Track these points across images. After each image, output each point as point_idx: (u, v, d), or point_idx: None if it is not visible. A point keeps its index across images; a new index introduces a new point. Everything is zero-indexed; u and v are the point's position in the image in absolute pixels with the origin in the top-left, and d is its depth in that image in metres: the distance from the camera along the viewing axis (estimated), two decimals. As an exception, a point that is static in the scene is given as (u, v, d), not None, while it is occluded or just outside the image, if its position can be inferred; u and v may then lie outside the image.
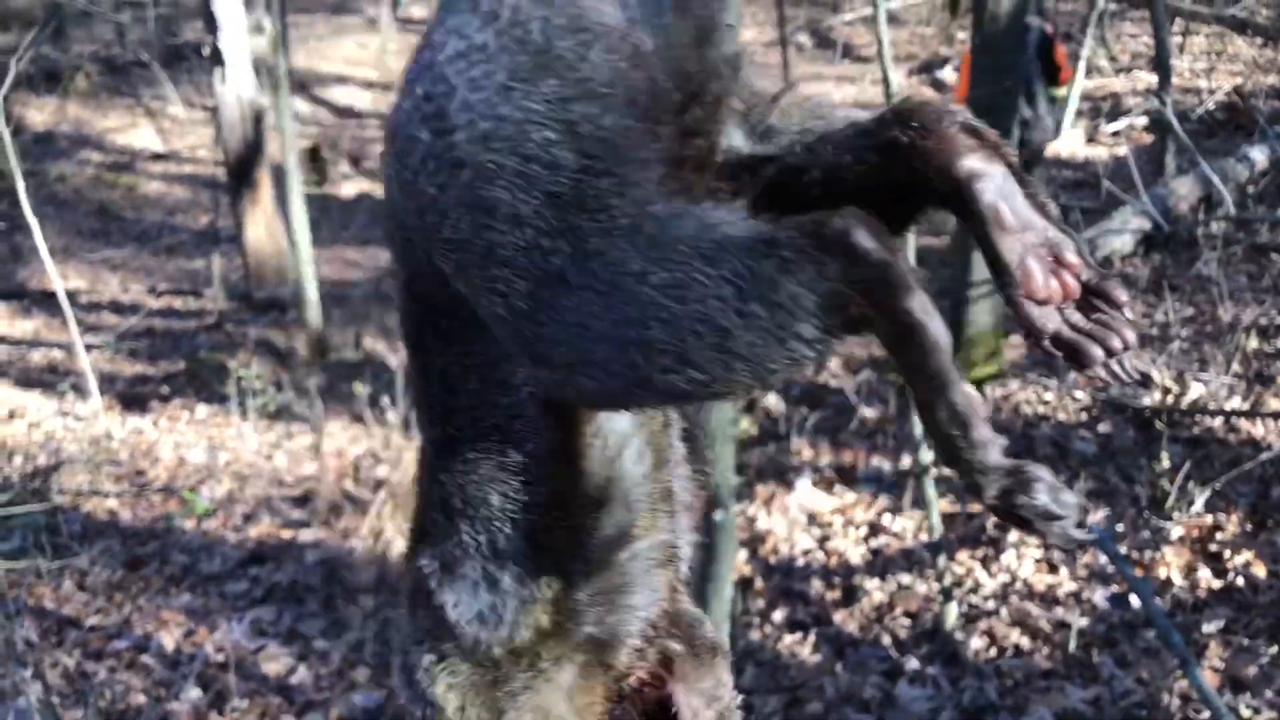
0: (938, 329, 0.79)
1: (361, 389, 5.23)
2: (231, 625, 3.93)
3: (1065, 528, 0.77)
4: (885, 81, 3.11)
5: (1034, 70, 6.19)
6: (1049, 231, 0.85)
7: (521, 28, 0.86)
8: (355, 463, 5.03)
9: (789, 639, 3.39)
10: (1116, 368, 0.84)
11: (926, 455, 3.28)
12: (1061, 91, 6.74)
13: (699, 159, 0.94)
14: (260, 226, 7.02)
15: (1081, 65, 10.74)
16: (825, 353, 0.82)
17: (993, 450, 0.79)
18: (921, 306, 0.78)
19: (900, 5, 15.85)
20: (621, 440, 1.01)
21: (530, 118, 0.84)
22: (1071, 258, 0.85)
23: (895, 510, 4.03)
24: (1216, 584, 3.32)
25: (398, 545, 4.29)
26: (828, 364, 5.55)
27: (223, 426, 5.50)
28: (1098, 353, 0.83)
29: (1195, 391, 4.64)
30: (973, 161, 0.86)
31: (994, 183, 0.86)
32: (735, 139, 0.99)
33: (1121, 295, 0.86)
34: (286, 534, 4.52)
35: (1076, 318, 0.85)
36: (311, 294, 6.17)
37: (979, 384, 4.83)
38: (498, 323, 0.88)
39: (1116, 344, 0.83)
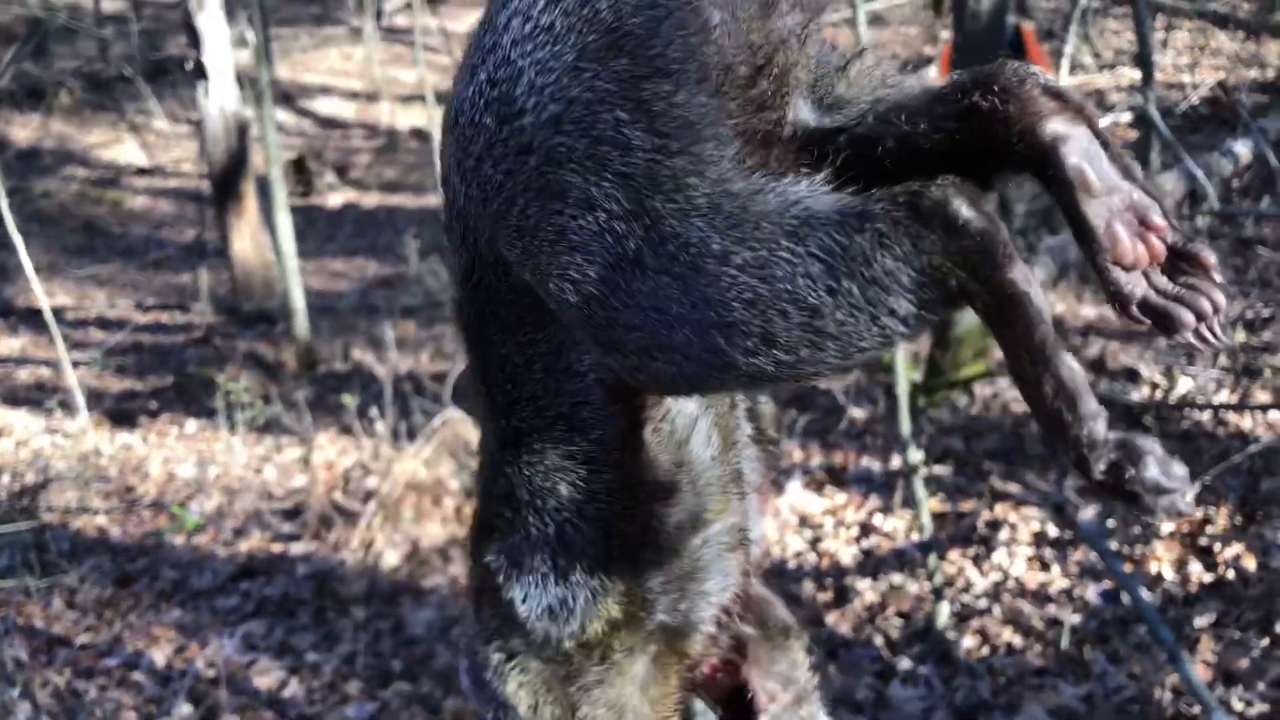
0: (1040, 300, 0.78)
1: (350, 400, 5.21)
2: (222, 640, 3.91)
3: (1175, 500, 0.75)
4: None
5: None
6: (1135, 194, 0.82)
7: (590, 6, 0.84)
8: (345, 474, 5.01)
9: (782, 642, 3.38)
10: (1206, 332, 0.80)
11: (915, 455, 3.27)
12: None
13: (770, 133, 0.91)
14: (246, 239, 7.01)
15: (1065, 62, 10.76)
16: (920, 328, 0.81)
17: (1101, 423, 0.77)
18: (1025, 277, 0.77)
19: (884, 5, 15.88)
20: (690, 423, 0.99)
21: (601, 98, 0.82)
22: (1158, 220, 0.82)
23: (886, 510, 4.03)
24: (1207, 578, 3.32)
25: (388, 557, 4.28)
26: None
27: (211, 441, 5.48)
28: (1189, 318, 0.80)
29: (1184, 386, 4.65)
30: (1057, 125, 0.82)
31: (1079, 145, 0.82)
32: (803, 111, 0.95)
33: (1210, 258, 0.82)
34: (277, 547, 4.50)
35: (1164, 282, 0.81)
36: (298, 306, 6.15)
37: (967, 383, 4.83)
38: (567, 309, 0.86)
39: (1206, 307, 0.80)
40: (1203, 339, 0.81)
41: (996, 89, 0.85)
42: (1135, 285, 0.80)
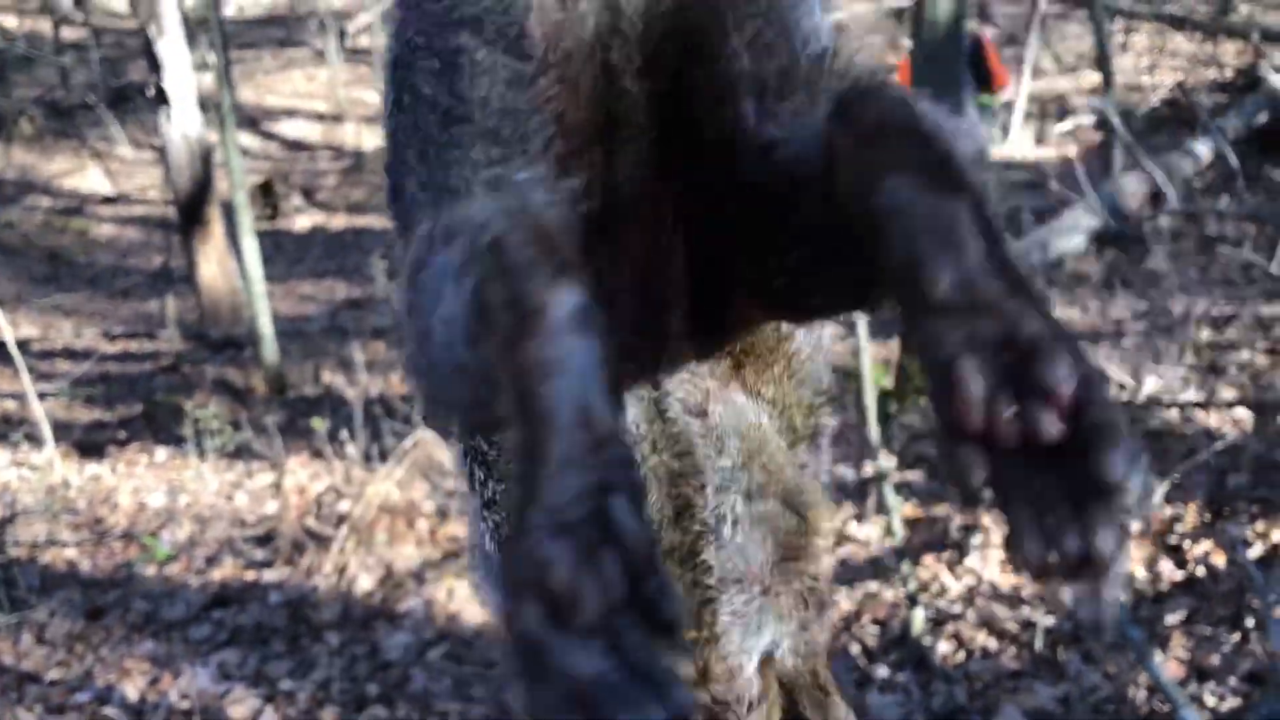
0: None
1: (321, 424, 5.18)
2: (196, 671, 3.87)
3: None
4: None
5: (964, 79, 6.27)
6: (1024, 321, 0.54)
7: None
8: (317, 499, 4.98)
9: (758, 654, 3.38)
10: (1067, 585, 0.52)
11: (886, 461, 3.28)
12: (992, 99, 6.76)
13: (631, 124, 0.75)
14: (213, 265, 6.97)
15: (1026, 68, 10.89)
16: None
17: None
18: None
19: (846, 14, 15.98)
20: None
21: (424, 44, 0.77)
22: (1051, 373, 0.52)
23: (860, 517, 4.03)
24: (1178, 575, 3.35)
25: (362, 581, 4.25)
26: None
27: (181, 469, 5.43)
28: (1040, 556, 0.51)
29: (1150, 385, 4.69)
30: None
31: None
32: (748, 111, 0.76)
33: (1120, 477, 0.51)
34: (250, 575, 4.46)
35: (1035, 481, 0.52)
36: (267, 330, 6.11)
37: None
38: None
39: (1076, 552, 0.50)
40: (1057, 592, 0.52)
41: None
42: (976, 464, 0.52)
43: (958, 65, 4.56)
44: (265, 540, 4.69)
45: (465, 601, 4.02)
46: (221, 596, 4.36)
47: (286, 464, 5.20)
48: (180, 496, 5.14)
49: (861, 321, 3.04)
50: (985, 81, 6.53)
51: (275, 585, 4.36)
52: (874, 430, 3.09)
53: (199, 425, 5.39)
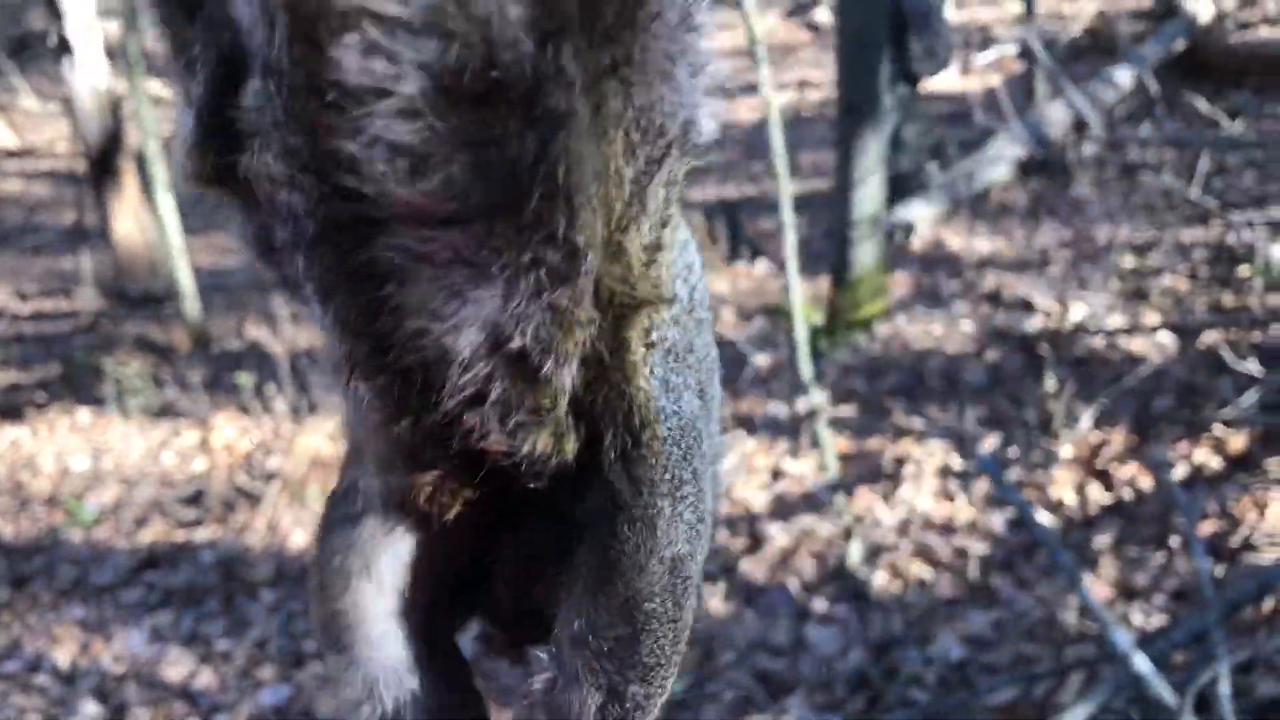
0: None
1: (247, 379, 5.07)
2: (129, 634, 3.79)
3: None
4: (749, 28, 3.08)
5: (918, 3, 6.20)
6: None
7: None
8: (246, 456, 4.88)
9: (697, 592, 3.39)
10: None
11: (818, 398, 3.29)
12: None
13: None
14: (128, 220, 6.74)
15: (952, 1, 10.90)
16: None
17: None
18: None
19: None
20: None
21: None
22: None
23: (794, 454, 4.05)
24: (1106, 499, 3.41)
25: (295, 536, 4.19)
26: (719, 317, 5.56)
27: (105, 430, 5.29)
28: None
29: (1077, 312, 4.75)
30: None
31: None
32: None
33: None
34: (180, 535, 4.37)
35: None
36: (188, 285, 5.95)
37: (867, 322, 4.88)
38: None
39: None
40: None
41: None
42: None
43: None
44: (194, 499, 4.59)
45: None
46: (151, 558, 4.27)
47: (213, 421, 5.10)
48: (105, 458, 5.01)
49: (791, 259, 3.02)
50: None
51: (207, 545, 4.28)
52: (806, 367, 3.08)
53: (121, 384, 5.25)
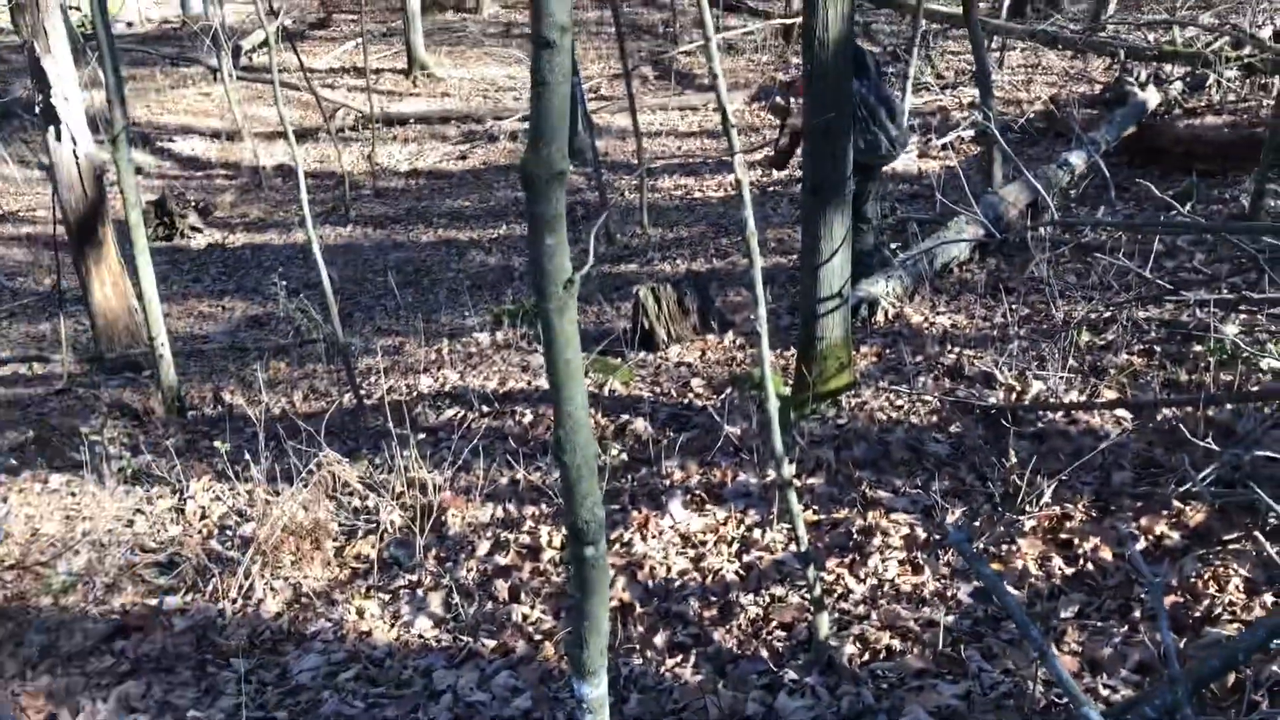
0: None
1: (223, 445, 5.11)
2: (97, 704, 3.78)
3: None
4: (721, 110, 3.22)
5: (878, 90, 6.47)
6: None
7: None
8: (220, 522, 4.90)
9: (670, 661, 3.45)
10: None
11: (788, 470, 3.38)
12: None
13: None
14: (107, 285, 6.79)
15: (909, 84, 11.26)
16: None
17: None
18: None
19: (738, 34, 16.30)
20: None
21: None
22: None
23: (764, 524, 4.14)
24: (1069, 571, 3.51)
25: (269, 603, 4.20)
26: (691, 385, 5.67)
27: (79, 495, 5.29)
28: None
29: (1036, 387, 4.90)
30: None
31: None
32: None
33: None
34: (152, 602, 4.37)
35: None
36: (165, 351, 6.00)
37: (834, 394, 5.00)
38: None
39: None
40: None
41: None
42: None
43: (847, 81, 4.71)
44: (168, 566, 4.60)
45: (375, 621, 4.01)
46: (122, 626, 4.26)
47: (188, 487, 5.12)
48: (78, 524, 5.01)
49: (763, 331, 3.14)
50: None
51: (179, 611, 4.28)
52: (779, 440, 3.18)
53: (96, 449, 5.26)
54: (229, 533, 4.77)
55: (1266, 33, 11.80)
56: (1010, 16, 15.63)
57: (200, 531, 4.81)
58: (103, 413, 6.20)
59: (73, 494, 5.31)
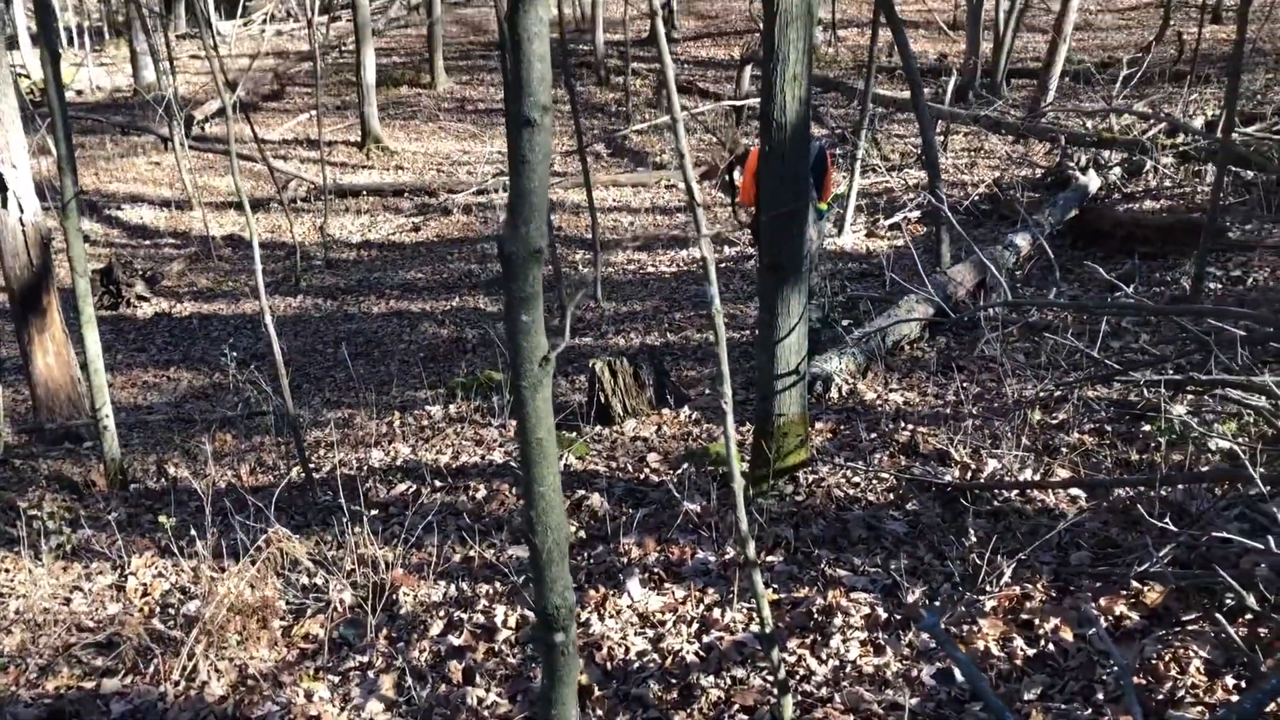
0: None
1: (167, 520, 4.98)
2: (30, 792, 3.61)
3: None
4: (688, 190, 3.25)
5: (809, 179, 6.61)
6: None
7: None
8: (163, 599, 4.75)
9: (631, 745, 3.37)
10: None
11: (752, 550, 3.35)
12: (824, 207, 7.33)
13: None
14: (50, 354, 6.65)
15: (857, 166, 11.51)
16: None
17: None
18: None
19: (690, 115, 16.59)
20: None
21: None
22: None
23: (724, 603, 4.09)
24: (1031, 651, 3.50)
25: (214, 686, 4.06)
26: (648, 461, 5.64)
27: (13, 571, 5.11)
28: None
29: (991, 465, 4.94)
30: None
31: None
32: None
33: None
34: (89, 684, 4.20)
35: None
36: (109, 422, 5.86)
37: (792, 470, 5.00)
38: None
39: None
40: None
41: None
42: None
43: (805, 163, 4.78)
44: (107, 646, 4.43)
45: (325, 705, 3.89)
46: (57, 710, 4.09)
47: (130, 563, 4.96)
48: (10, 601, 4.82)
49: (729, 410, 3.13)
50: (820, 191, 6.99)
51: (118, 694, 4.12)
52: (744, 519, 3.15)
53: (33, 524, 5.09)
54: (172, 611, 4.62)
55: (1199, 122, 12.24)
56: (954, 101, 16.08)
57: (141, 610, 4.66)
58: (41, 485, 6.02)
59: (6, 570, 5.12)
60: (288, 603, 4.51)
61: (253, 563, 4.52)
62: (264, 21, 28.23)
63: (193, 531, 4.85)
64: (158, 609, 4.67)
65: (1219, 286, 7.68)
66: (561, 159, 16.60)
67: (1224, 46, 17.61)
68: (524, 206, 1.74)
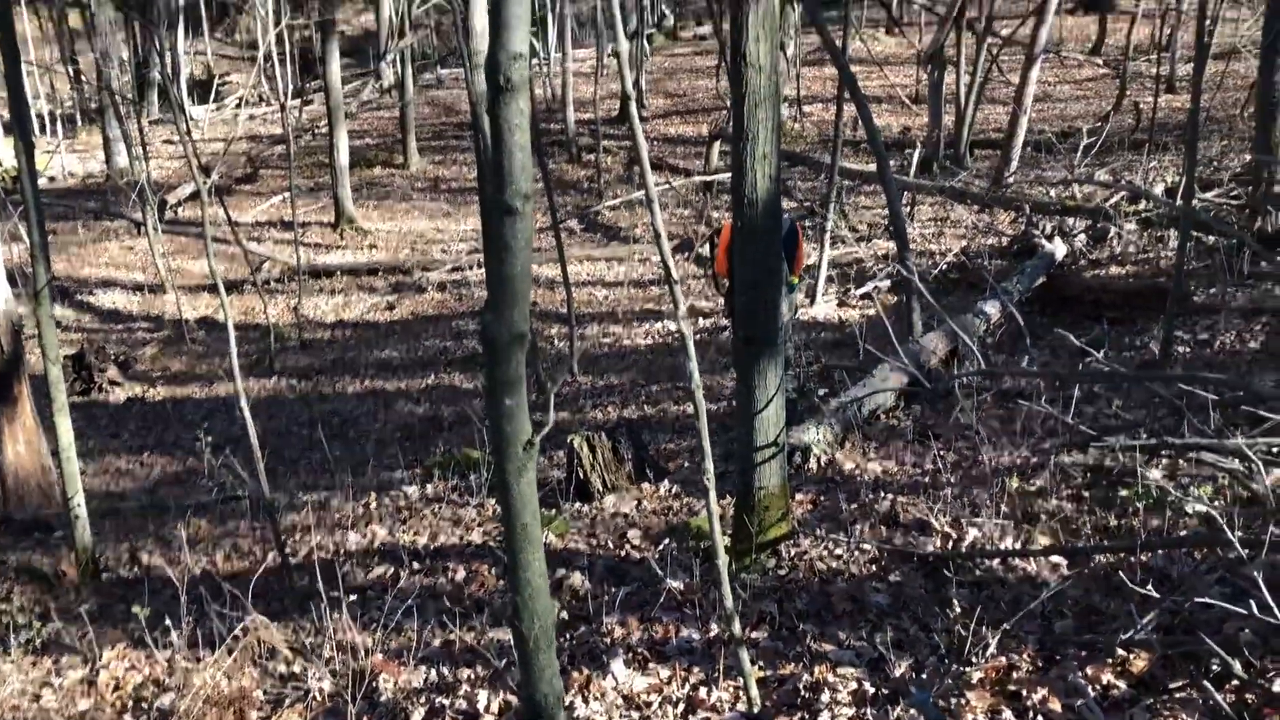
0: None
1: (141, 610, 4.88)
2: None
3: None
4: (665, 266, 3.28)
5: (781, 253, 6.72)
6: None
7: None
8: (135, 693, 4.65)
9: (620, 831, 3.30)
10: None
11: (738, 628, 3.33)
12: (795, 281, 7.48)
13: None
14: (20, 443, 6.57)
15: (827, 237, 11.66)
16: None
17: None
18: None
19: (661, 190, 16.81)
20: None
21: None
22: None
23: (710, 681, 4.04)
24: (1018, 722, 3.47)
25: (191, 781, 3.96)
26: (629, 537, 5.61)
27: (-20, 668, 4.98)
28: None
29: (971, 534, 4.94)
30: None
31: None
32: None
33: None
34: (60, 783, 4.10)
35: None
36: (81, 511, 5.77)
37: (774, 544, 4.98)
38: None
39: None
40: None
41: None
42: None
43: (776, 237, 4.85)
44: (78, 743, 4.33)
45: (303, 796, 3.80)
46: (27, 810, 3.98)
47: (102, 656, 4.86)
48: (-22, 699, 4.70)
49: (711, 486, 3.13)
50: (791, 265, 7.12)
51: (90, 793, 4.01)
52: (729, 597, 3.14)
53: (2, 618, 4.98)
54: (145, 705, 4.52)
55: (1159, 189, 12.51)
56: (919, 173, 16.37)
57: (114, 705, 4.55)
58: (10, 577, 5.91)
59: (-25, 666, 5.00)
60: (265, 693, 4.42)
61: (229, 652, 4.43)
62: (237, 106, 28.49)
63: (167, 621, 4.76)
64: (130, 703, 4.56)
65: (1187, 350, 7.78)
66: (536, 234, 16.73)
67: (1180, 115, 18.07)
68: (506, 292, 1.76)
